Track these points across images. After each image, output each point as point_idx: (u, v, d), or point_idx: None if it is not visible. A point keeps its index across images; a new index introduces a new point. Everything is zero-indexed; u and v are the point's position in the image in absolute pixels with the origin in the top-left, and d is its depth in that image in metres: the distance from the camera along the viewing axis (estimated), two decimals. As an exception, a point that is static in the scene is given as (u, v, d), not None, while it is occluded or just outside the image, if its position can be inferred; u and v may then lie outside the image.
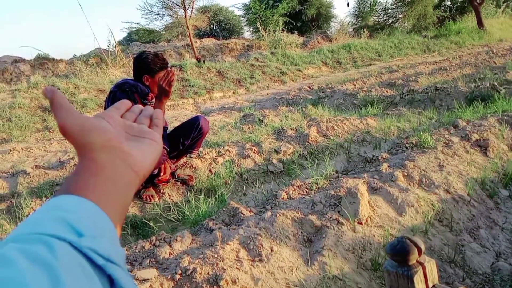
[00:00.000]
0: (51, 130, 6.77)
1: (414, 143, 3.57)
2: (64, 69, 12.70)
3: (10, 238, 0.35)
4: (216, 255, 1.82)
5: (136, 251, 2.03)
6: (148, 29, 16.95)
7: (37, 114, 7.29)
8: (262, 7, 17.67)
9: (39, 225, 0.36)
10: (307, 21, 22.52)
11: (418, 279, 0.94)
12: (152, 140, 0.54)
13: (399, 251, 0.95)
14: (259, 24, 16.11)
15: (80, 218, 0.38)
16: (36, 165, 4.08)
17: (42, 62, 13.11)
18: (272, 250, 1.93)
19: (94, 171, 0.45)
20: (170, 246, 2.02)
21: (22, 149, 5.53)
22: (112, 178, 0.46)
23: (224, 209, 2.52)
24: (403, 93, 6.37)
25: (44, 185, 3.29)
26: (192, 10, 12.67)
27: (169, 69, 2.84)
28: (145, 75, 2.94)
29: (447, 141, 3.44)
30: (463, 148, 3.37)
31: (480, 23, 18.01)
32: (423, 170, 2.91)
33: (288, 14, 19.06)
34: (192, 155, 3.58)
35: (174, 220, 2.79)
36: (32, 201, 2.81)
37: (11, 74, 12.07)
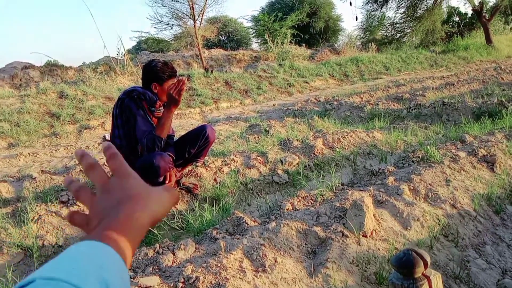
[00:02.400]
0: (58, 136, 6.82)
1: (420, 157, 3.55)
2: (73, 76, 12.83)
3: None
4: (219, 264, 1.81)
5: (140, 258, 2.02)
6: (157, 38, 17.12)
7: (45, 119, 7.35)
8: (270, 19, 17.79)
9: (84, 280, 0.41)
10: (315, 34, 22.65)
11: (423, 292, 0.93)
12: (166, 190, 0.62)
13: (405, 263, 0.94)
14: (267, 36, 16.22)
15: (113, 278, 0.44)
16: (42, 170, 4.10)
17: (51, 68, 13.26)
18: (275, 261, 1.92)
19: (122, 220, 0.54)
20: (174, 254, 2.01)
21: (29, 154, 5.57)
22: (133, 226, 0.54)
23: (228, 218, 2.51)
24: (410, 107, 6.36)
25: (49, 190, 3.30)
26: (201, 21, 12.80)
27: (180, 78, 2.86)
28: (153, 83, 2.96)
29: (453, 156, 3.42)
30: (470, 163, 3.34)
31: (488, 39, 18.01)
32: (429, 184, 2.89)
33: (296, 26, 19.19)
34: (197, 164, 3.58)
35: (178, 228, 2.79)
36: (37, 205, 2.82)
37: (20, 80, 12.21)
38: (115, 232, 0.51)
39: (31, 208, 2.74)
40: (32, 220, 2.65)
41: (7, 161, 5.22)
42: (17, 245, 2.46)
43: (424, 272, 0.96)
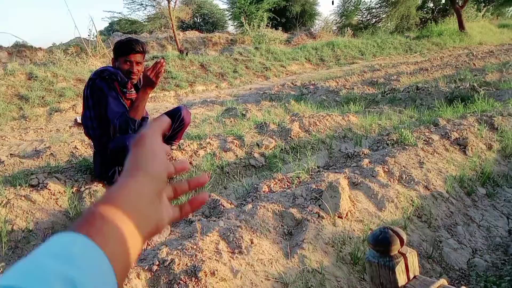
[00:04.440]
0: (27, 119, 6.60)
1: (395, 140, 3.60)
2: (43, 57, 12.41)
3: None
4: (195, 247, 1.79)
5: (113, 241, 1.98)
6: (130, 19, 16.70)
7: (14, 102, 7.09)
8: (247, 2, 17.60)
9: (41, 279, 0.32)
10: (291, 18, 22.54)
11: (399, 269, 0.93)
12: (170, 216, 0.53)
13: (381, 241, 0.93)
14: (243, 18, 16.04)
15: (87, 281, 0.34)
16: (11, 154, 3.96)
17: (20, 49, 12.79)
18: (252, 243, 1.91)
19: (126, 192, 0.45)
20: (148, 237, 1.98)
21: (-3, 137, 5.37)
22: (136, 201, 0.45)
23: (204, 201, 2.48)
24: (385, 92, 6.43)
25: (18, 174, 3.19)
26: (176, 2, 12.52)
27: (159, 60, 2.78)
28: (113, 58, 2.91)
29: (427, 139, 3.47)
30: (443, 146, 3.41)
31: (461, 26, 18.33)
32: (403, 166, 2.93)
33: (273, 10, 19.04)
34: (172, 147, 3.53)
35: (152, 211, 2.75)
36: (5, 189, 2.72)
37: (-13, 61, 11.73)
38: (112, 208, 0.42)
39: (0, 192, 2.64)
40: (0, 204, 2.56)
41: (-27, 145, 5.02)
42: (-16, 230, 2.37)
43: (400, 249, 0.96)
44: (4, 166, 3.52)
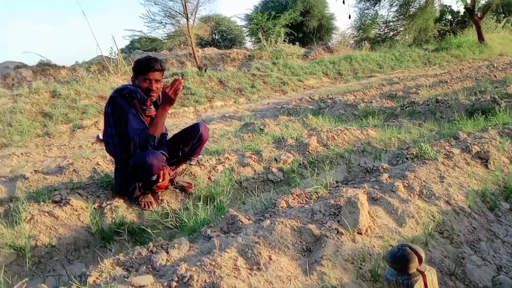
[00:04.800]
0: (51, 136, 6.77)
1: (414, 154, 3.56)
2: (66, 75, 12.74)
3: None
4: (213, 263, 1.80)
5: (133, 257, 2.00)
6: (150, 37, 17.02)
7: (38, 119, 7.29)
8: (264, 18, 17.77)
9: None
10: (308, 33, 22.65)
11: (418, 288, 0.93)
12: None
13: (399, 259, 0.93)
14: (261, 34, 16.19)
15: None
16: (35, 170, 4.06)
17: (44, 68, 13.16)
18: (270, 259, 1.91)
19: None
20: (167, 253, 2.00)
21: (22, 154, 5.52)
22: None
23: (222, 217, 2.49)
24: (404, 105, 6.38)
25: (42, 190, 3.27)
26: (194, 20, 12.75)
27: (177, 77, 2.84)
28: (133, 76, 3.01)
29: (447, 153, 3.42)
30: (464, 160, 3.35)
31: (480, 37, 18.11)
32: (423, 181, 2.89)
33: (290, 25, 19.17)
34: (191, 162, 3.57)
35: (172, 227, 2.77)
36: (30, 205, 2.79)
37: (12, 80, 12.11)
38: None
39: (24, 208, 2.71)
40: (24, 220, 2.62)
41: (0, 161, 5.17)
42: (10, 245, 2.43)
43: (419, 267, 0.95)
44: (29, 182, 3.62)
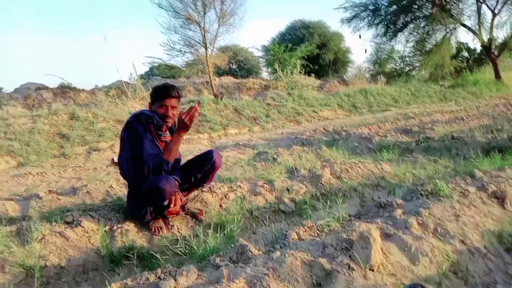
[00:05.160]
0: (67, 157, 6.86)
1: (429, 190, 3.50)
2: (85, 98, 13.04)
3: None
4: (221, 293, 1.77)
5: (141, 282, 1.99)
6: (169, 64, 17.38)
7: (55, 140, 7.42)
8: (281, 50, 18.07)
9: None
10: (324, 65, 22.94)
11: (433, 331, 0.90)
12: None
13: (414, 299, 0.91)
14: (277, 65, 16.43)
15: None
16: (49, 190, 4.11)
17: (64, 90, 13.49)
18: (279, 292, 1.87)
19: None
20: (175, 280, 1.97)
21: (37, 173, 5.59)
22: None
23: (232, 246, 2.47)
24: (419, 140, 6.33)
25: (55, 210, 3.30)
26: (213, 49, 13.02)
27: (194, 105, 2.89)
28: (150, 102, 3.08)
29: (463, 191, 3.36)
30: (480, 199, 3.29)
31: (497, 75, 18.09)
32: (438, 219, 2.84)
33: (306, 57, 19.44)
34: (203, 189, 3.57)
35: (181, 253, 2.75)
36: (42, 225, 2.80)
37: (33, 101, 12.42)
38: None
39: (36, 227, 2.72)
40: (36, 239, 2.63)
41: (16, 180, 5.24)
42: (20, 264, 2.43)
43: (434, 309, 0.93)
44: (42, 202, 3.65)
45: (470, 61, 22.39)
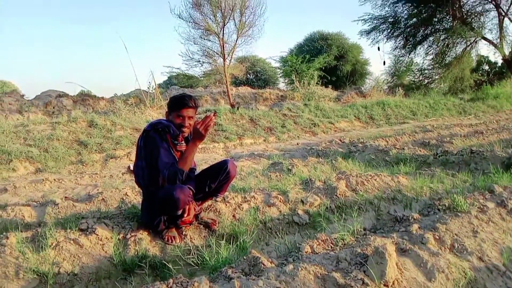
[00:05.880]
0: (84, 164, 6.95)
1: (447, 205, 3.43)
2: (104, 106, 13.25)
3: None
4: (232, 305, 1.76)
5: (152, 292, 1.98)
6: (187, 74, 17.57)
7: (73, 147, 7.53)
8: (298, 61, 18.10)
9: None
10: (342, 76, 22.87)
11: None
12: None
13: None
14: (294, 76, 16.45)
15: None
16: (65, 197, 4.16)
17: (84, 98, 13.74)
18: (291, 306, 1.84)
19: None
20: (187, 291, 1.96)
21: (55, 179, 5.68)
22: None
23: (244, 257, 2.45)
24: (437, 154, 6.23)
25: (70, 217, 3.33)
26: (231, 60, 13.12)
27: (208, 114, 2.91)
28: (167, 111, 3.11)
29: (481, 206, 3.29)
30: (499, 215, 3.20)
31: (519, 89, 17.73)
32: (455, 234, 2.77)
33: (323, 68, 19.43)
34: (217, 199, 3.57)
35: (193, 264, 2.74)
36: (57, 232, 2.83)
37: (53, 108, 12.68)
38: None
39: (51, 234, 2.75)
40: (50, 246, 2.66)
41: (33, 186, 5.33)
42: (33, 270, 2.45)
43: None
44: (58, 208, 3.70)
45: (490, 75, 22.06)
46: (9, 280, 2.39)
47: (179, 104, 3.00)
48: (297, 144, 9.58)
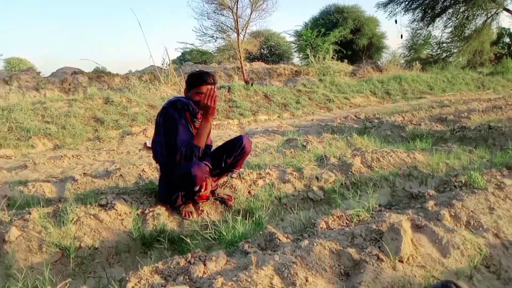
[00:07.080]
0: (101, 140, 7.05)
1: (463, 182, 3.41)
2: (119, 83, 13.30)
3: None
4: (249, 279, 1.80)
5: (171, 266, 2.04)
6: (201, 50, 17.48)
7: (90, 124, 7.63)
8: (313, 35, 17.79)
9: None
10: (358, 50, 22.46)
11: (462, 328, 0.88)
12: None
13: (444, 296, 0.89)
14: (309, 51, 16.21)
15: None
16: (84, 173, 4.25)
17: (99, 75, 13.81)
18: (307, 280, 1.88)
19: None
20: (205, 265, 2.02)
21: (73, 156, 5.78)
22: None
23: (260, 233, 2.49)
24: (454, 129, 6.15)
25: (90, 192, 3.41)
26: (244, 34, 12.98)
27: (209, 86, 2.92)
28: (186, 89, 3.11)
29: (499, 183, 3.26)
30: (517, 192, 3.18)
31: (541, 62, 17.22)
32: (471, 211, 2.77)
33: (339, 42, 19.09)
34: (233, 175, 3.61)
35: (210, 238, 2.80)
36: (77, 207, 2.91)
37: (69, 85, 12.79)
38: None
39: (71, 209, 2.83)
40: (71, 221, 2.74)
41: (52, 162, 5.44)
42: (56, 244, 2.54)
43: (464, 306, 0.91)
44: (77, 184, 3.79)
45: (511, 48, 21.41)
46: (33, 254, 2.49)
47: (198, 80, 3.01)
48: (312, 120, 9.54)
